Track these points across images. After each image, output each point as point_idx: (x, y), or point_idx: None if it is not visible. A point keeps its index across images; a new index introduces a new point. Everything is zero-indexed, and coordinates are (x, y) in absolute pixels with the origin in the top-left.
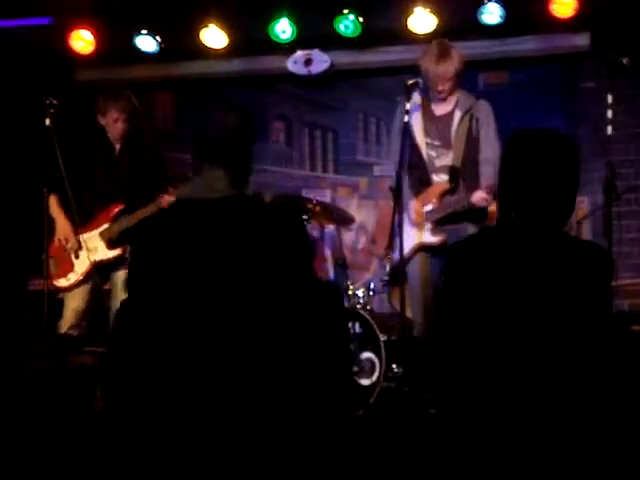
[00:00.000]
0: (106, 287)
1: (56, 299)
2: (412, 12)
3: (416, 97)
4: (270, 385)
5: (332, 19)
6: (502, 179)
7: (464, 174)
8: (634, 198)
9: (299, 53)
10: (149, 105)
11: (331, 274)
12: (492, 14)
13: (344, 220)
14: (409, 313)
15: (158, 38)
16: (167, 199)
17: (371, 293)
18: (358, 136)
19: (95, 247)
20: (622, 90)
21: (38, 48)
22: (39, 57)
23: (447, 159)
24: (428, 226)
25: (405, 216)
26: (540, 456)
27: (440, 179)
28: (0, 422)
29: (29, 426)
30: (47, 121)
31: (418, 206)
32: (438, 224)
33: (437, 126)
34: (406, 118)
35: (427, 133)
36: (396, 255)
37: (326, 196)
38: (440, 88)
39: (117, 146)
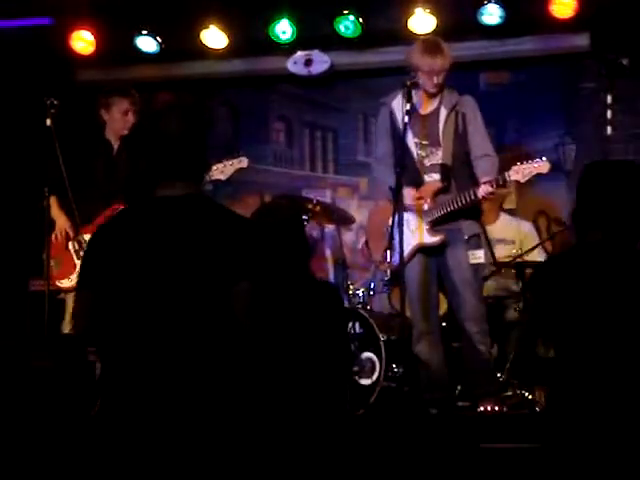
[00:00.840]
0: None
1: (57, 300)
2: (412, 13)
3: (399, 98)
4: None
5: (332, 20)
6: (580, 206)
7: (454, 172)
8: None
9: (299, 53)
10: (149, 105)
11: (331, 274)
12: (492, 15)
13: (344, 220)
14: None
15: (158, 38)
16: None
17: (371, 293)
18: (358, 136)
19: None
20: (622, 90)
21: (38, 48)
22: (40, 57)
23: (437, 157)
24: (426, 227)
25: (405, 219)
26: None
27: (431, 178)
28: (1, 422)
29: (30, 426)
30: (48, 121)
31: (413, 191)
32: (434, 224)
33: (424, 124)
34: (406, 119)
35: (415, 133)
36: (395, 257)
37: (326, 196)
38: (435, 81)
39: (115, 145)
